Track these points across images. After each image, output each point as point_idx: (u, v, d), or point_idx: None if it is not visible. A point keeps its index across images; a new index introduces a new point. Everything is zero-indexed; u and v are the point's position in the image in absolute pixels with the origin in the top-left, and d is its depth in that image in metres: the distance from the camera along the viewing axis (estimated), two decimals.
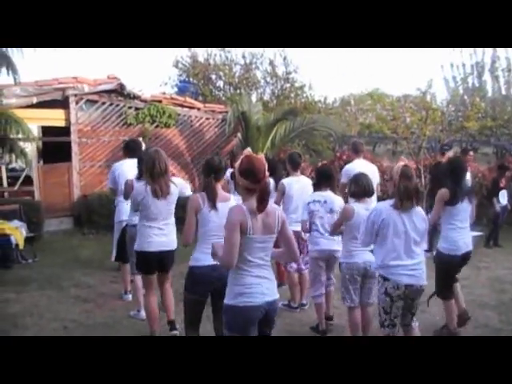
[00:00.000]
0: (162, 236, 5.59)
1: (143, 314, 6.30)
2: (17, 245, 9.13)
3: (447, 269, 5.94)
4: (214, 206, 4.63)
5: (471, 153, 10.59)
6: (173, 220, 5.70)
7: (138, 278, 6.33)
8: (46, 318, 6.56)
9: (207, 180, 4.78)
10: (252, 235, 3.64)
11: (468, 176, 7.65)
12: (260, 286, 3.75)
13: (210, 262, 4.21)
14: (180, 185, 5.86)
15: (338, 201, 6.12)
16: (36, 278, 8.21)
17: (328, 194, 6.13)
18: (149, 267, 5.71)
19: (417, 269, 4.75)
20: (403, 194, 4.65)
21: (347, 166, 8.31)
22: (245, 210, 3.64)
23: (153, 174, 5.40)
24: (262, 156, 3.89)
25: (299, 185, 6.95)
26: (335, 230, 5.69)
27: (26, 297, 7.33)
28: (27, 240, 9.44)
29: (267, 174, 3.71)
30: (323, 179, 6.22)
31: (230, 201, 4.71)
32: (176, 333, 5.70)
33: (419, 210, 4.80)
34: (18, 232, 9.22)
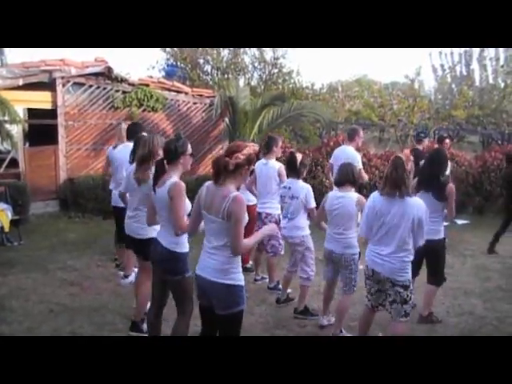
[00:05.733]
0: (134, 222, 5.49)
1: None
2: (2, 227, 9.08)
3: None
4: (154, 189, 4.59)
5: (447, 140, 10.59)
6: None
7: None
8: (31, 300, 6.56)
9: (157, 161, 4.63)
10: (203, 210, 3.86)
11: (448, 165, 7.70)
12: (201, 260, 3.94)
13: None
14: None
15: (301, 188, 6.21)
16: (22, 261, 8.18)
17: (293, 181, 6.28)
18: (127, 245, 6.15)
19: (386, 260, 4.71)
20: (385, 181, 4.72)
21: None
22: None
23: (136, 158, 5.36)
24: None
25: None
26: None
27: (12, 279, 7.31)
28: (13, 223, 9.36)
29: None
30: (287, 168, 6.47)
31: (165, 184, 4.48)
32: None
33: (412, 201, 4.65)
34: (3, 214, 9.15)
